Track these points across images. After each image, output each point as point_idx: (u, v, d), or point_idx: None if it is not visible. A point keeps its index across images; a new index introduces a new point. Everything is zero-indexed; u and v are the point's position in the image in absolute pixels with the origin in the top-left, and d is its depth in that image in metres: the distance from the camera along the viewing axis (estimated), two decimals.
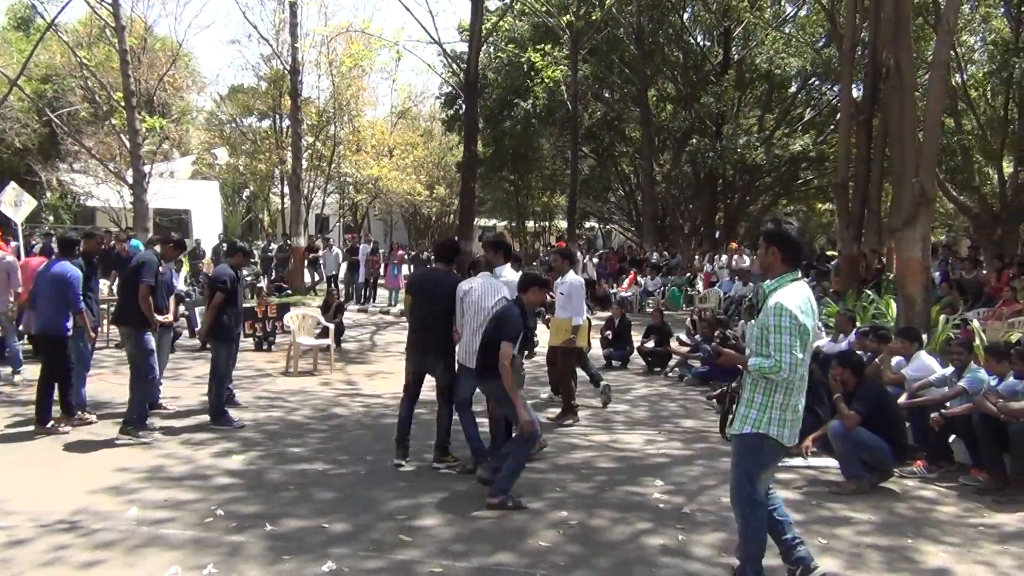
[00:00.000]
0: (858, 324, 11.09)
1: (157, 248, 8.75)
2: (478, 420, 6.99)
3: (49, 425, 7.87)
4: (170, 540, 5.19)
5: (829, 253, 29.39)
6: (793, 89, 30.64)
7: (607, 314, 15.26)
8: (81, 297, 7.92)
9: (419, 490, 6.35)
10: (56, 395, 8.05)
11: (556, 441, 8.03)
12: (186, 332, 14.19)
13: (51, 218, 30.30)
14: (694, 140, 27.53)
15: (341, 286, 22.32)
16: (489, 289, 6.86)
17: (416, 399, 7.08)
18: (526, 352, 10.04)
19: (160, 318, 8.21)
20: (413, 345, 7.00)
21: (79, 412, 8.22)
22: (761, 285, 4.65)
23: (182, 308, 14.21)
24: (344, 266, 22.81)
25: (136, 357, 8.02)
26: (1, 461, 6.91)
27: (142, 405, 7.95)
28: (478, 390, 6.84)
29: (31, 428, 7.92)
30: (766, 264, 4.55)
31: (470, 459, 6.89)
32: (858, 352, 8.67)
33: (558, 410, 9.10)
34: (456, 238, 19.79)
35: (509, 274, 7.58)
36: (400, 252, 24.35)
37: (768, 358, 4.29)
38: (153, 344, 8.21)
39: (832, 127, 27.89)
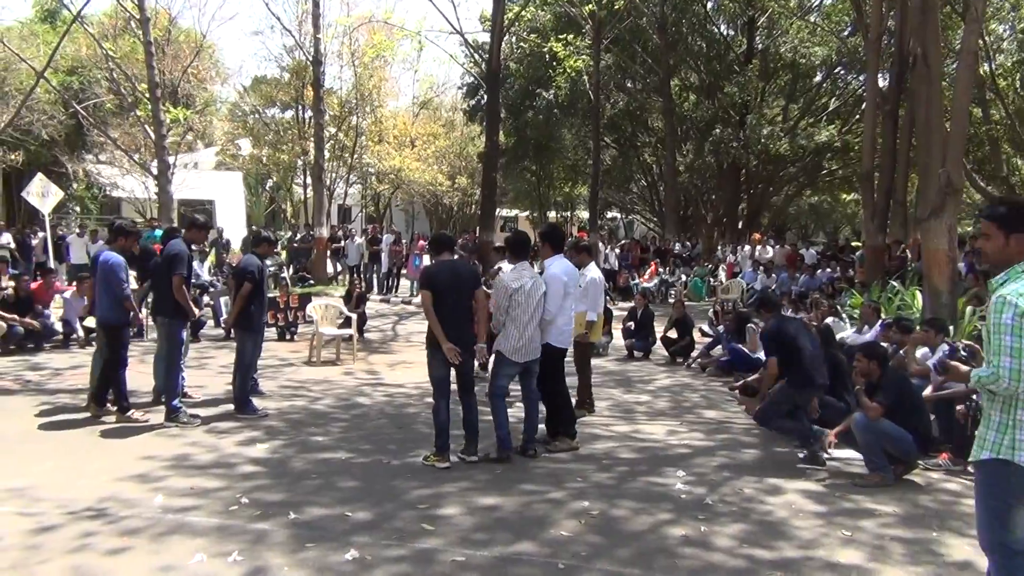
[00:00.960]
0: (883, 316, 11.01)
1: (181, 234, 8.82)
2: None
3: (129, 413, 8.02)
4: (195, 527, 5.24)
5: (854, 244, 29.16)
6: (818, 79, 30.40)
7: (629, 304, 15.23)
8: (125, 284, 8.01)
9: (441, 479, 6.37)
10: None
11: (577, 431, 8.02)
12: (211, 322, 14.30)
13: (77, 209, 30.64)
14: (717, 130, 27.40)
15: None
16: (538, 284, 6.98)
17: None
18: None
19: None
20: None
21: (107, 404, 8.37)
22: (989, 281, 3.78)
23: (207, 298, 14.33)
24: (366, 255, 22.86)
25: (167, 347, 8.16)
26: (30, 449, 7.01)
27: (174, 394, 8.06)
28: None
29: (58, 417, 8.10)
30: (1006, 255, 3.62)
31: (492, 447, 6.93)
32: (883, 344, 8.60)
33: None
34: (479, 228, 19.74)
35: (558, 265, 7.50)
36: (421, 243, 24.33)
37: (989, 365, 3.53)
38: (185, 337, 8.33)
39: (857, 117, 27.65)
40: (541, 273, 7.47)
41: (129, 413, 8.02)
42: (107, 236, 9.01)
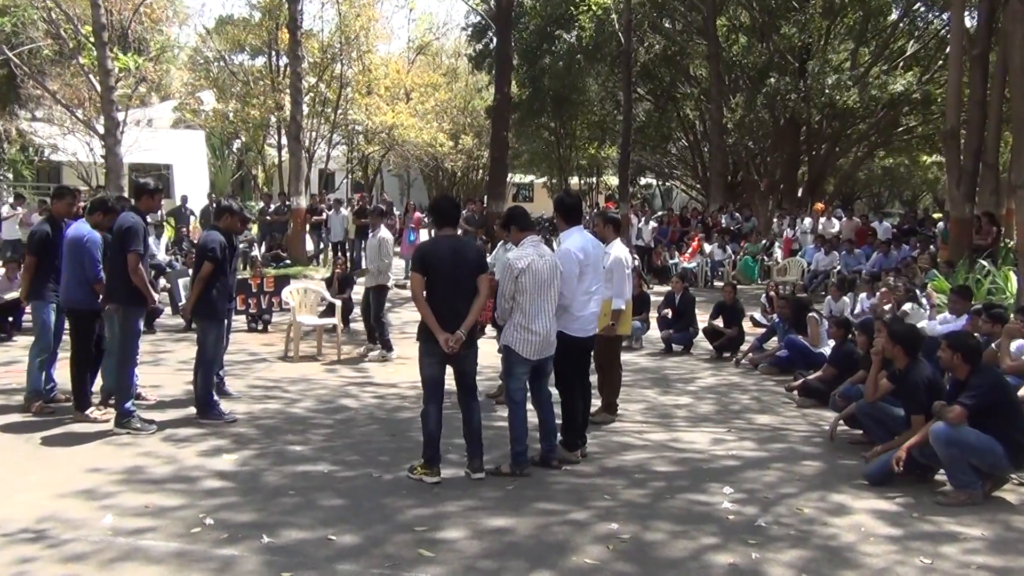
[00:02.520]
0: (972, 301, 10.95)
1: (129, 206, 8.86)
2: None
3: (88, 411, 8.18)
4: (151, 553, 5.27)
5: (936, 215, 29.01)
6: (893, 17, 30.13)
7: (666, 288, 15.19)
8: (99, 264, 8.15)
9: (441, 496, 6.39)
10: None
11: (604, 440, 8.04)
12: (168, 309, 14.33)
13: (10, 175, 30.74)
14: (772, 79, 27.18)
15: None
16: (550, 265, 6.92)
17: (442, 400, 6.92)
18: None
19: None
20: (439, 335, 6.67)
21: (41, 401, 8.50)
22: None
23: (163, 281, 14.37)
24: (352, 230, 22.85)
25: (121, 339, 8.19)
26: None
27: (127, 394, 8.09)
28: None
29: None
30: None
31: (505, 460, 6.95)
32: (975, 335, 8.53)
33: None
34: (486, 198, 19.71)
35: (574, 240, 7.44)
36: (417, 214, 24.34)
37: None
38: (141, 327, 8.40)
39: (940, 63, 27.42)
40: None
41: (88, 411, 8.14)
42: (39, 208, 9.15)
